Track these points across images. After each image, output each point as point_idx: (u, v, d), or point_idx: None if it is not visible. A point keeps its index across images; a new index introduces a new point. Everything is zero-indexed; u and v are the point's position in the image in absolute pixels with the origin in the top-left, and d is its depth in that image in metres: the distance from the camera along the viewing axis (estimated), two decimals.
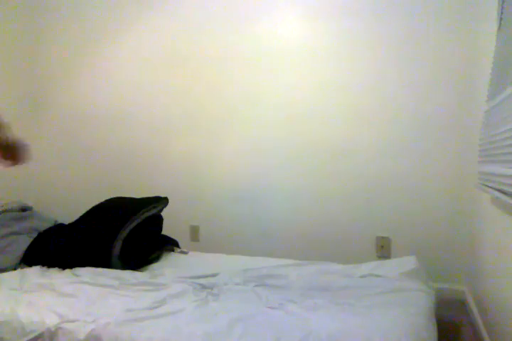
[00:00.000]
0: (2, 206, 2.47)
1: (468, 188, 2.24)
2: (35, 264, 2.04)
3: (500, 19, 1.56)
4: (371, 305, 1.48)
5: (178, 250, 2.39)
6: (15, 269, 2.00)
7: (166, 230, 2.49)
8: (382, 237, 2.43)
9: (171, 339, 1.27)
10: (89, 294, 1.61)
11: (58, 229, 2.32)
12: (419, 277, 1.78)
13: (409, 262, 1.91)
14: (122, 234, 2.07)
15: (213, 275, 1.89)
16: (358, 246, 2.48)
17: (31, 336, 1.36)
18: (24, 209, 2.57)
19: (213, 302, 1.56)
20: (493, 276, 1.64)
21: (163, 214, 2.44)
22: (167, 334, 1.30)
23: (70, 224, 2.30)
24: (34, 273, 1.90)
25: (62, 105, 3.19)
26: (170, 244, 2.43)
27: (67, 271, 1.94)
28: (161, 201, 2.36)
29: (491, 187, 1.54)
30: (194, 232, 2.88)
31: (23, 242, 2.17)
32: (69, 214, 2.57)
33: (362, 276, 1.83)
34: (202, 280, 1.81)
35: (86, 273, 1.87)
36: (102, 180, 3.11)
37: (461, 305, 2.21)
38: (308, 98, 2.57)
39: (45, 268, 2.00)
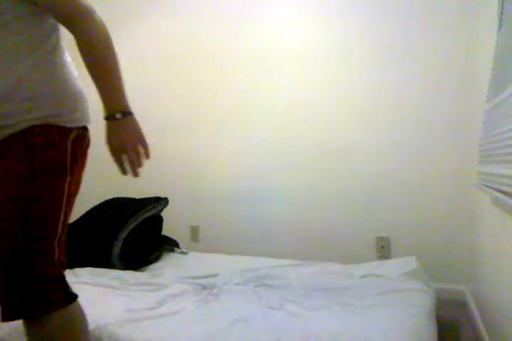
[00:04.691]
0: None
1: (469, 188, 2.24)
2: None
3: (500, 19, 1.56)
4: (371, 305, 1.48)
5: (178, 250, 2.39)
6: None
7: (166, 230, 2.49)
8: (383, 237, 2.43)
9: (171, 340, 1.27)
10: (90, 294, 1.60)
11: None
12: (419, 277, 1.78)
13: (409, 262, 1.91)
14: (122, 234, 2.07)
15: (213, 276, 1.90)
16: (358, 246, 2.48)
17: None
18: None
19: (213, 303, 1.56)
20: (492, 276, 1.64)
21: (163, 214, 2.44)
22: (167, 335, 1.30)
23: (69, 225, 2.29)
24: None
25: None
26: (170, 245, 2.43)
27: (67, 271, 1.93)
28: (161, 201, 2.36)
29: (491, 188, 1.53)
30: (194, 232, 2.88)
31: None
32: None
33: (362, 276, 1.83)
34: (202, 281, 1.81)
35: (86, 273, 1.88)
36: (101, 180, 3.11)
37: (461, 305, 2.21)
38: (308, 98, 2.56)
39: None
